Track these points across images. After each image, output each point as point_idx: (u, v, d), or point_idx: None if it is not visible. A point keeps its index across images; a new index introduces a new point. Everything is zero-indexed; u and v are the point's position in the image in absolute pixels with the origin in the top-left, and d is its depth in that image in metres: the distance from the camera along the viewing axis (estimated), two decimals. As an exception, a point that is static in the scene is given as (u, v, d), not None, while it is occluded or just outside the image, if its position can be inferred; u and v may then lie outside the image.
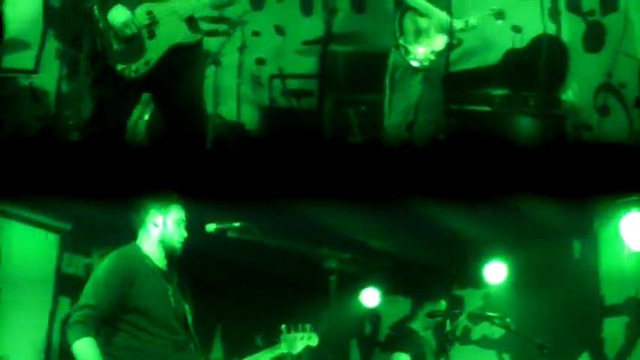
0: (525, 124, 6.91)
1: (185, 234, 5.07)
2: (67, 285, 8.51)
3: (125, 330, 4.79)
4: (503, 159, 6.71)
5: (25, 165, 6.44)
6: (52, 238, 8.43)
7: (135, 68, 6.00)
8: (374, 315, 10.39)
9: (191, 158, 6.67)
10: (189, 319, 5.10)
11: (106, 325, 4.75)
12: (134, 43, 6.00)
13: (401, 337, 7.53)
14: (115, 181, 6.49)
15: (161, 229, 5.01)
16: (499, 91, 7.50)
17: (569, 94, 7.31)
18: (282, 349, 5.21)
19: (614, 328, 8.58)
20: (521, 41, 7.96)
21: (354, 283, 9.54)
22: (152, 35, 6.01)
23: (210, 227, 4.96)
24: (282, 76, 8.65)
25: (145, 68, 6.03)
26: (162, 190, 5.19)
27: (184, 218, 5.08)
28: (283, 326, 5.24)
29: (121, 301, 4.77)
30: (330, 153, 6.91)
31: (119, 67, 5.99)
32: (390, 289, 9.88)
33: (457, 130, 6.93)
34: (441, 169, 6.71)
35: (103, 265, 4.92)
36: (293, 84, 8.75)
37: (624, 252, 8.13)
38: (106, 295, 4.74)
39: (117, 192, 6.40)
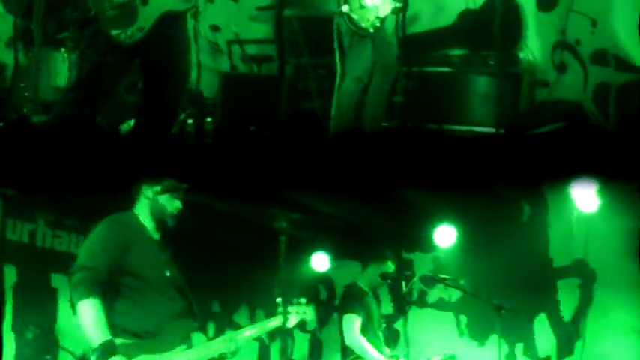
0: (482, 83, 6.88)
1: (179, 205, 5.09)
2: (12, 252, 8.34)
3: (124, 294, 4.80)
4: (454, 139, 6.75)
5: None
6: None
7: (130, 34, 5.92)
8: (328, 279, 10.36)
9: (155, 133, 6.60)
10: (186, 287, 5.13)
11: (109, 288, 4.76)
12: (127, 9, 5.91)
13: (349, 297, 7.48)
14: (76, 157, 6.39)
15: (151, 201, 5.04)
16: (458, 52, 7.48)
17: (527, 53, 7.30)
18: (277, 322, 5.12)
19: (567, 290, 8.63)
20: (474, 3, 7.89)
21: (304, 248, 9.51)
22: (145, 1, 5.92)
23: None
24: (240, 41, 8.51)
25: (139, 34, 5.95)
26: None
27: (178, 190, 5.09)
28: (279, 299, 5.07)
29: (118, 265, 4.78)
30: (285, 122, 6.85)
31: (113, 32, 5.89)
32: (339, 254, 9.86)
33: (414, 92, 6.84)
34: (393, 137, 6.68)
35: (100, 229, 4.95)
36: (252, 49, 8.63)
37: (573, 215, 8.20)
38: (103, 258, 4.77)
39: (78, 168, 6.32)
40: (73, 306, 4.76)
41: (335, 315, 10.04)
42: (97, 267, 4.71)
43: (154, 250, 5.02)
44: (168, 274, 5.00)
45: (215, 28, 8.66)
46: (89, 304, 4.60)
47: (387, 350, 7.41)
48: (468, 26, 7.74)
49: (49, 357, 7.99)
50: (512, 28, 7.33)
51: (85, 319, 4.60)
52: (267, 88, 7.40)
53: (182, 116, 7.04)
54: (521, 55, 7.29)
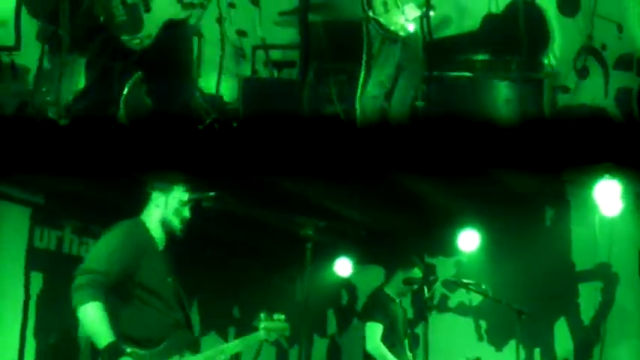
0: (503, 89, 6.86)
1: (187, 215, 5.02)
2: (39, 260, 8.38)
3: (132, 303, 4.79)
4: (477, 131, 6.70)
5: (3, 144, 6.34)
6: (23, 212, 8.27)
7: (139, 40, 5.99)
8: (349, 285, 10.36)
9: (172, 136, 6.60)
10: (184, 299, 5.12)
11: (114, 295, 4.72)
12: (134, 16, 5.97)
13: (376, 305, 7.49)
14: (96, 157, 6.41)
15: (162, 210, 4.98)
16: (480, 57, 7.46)
17: (551, 58, 7.28)
18: (261, 336, 5.11)
19: (588, 294, 8.64)
20: (496, 7, 7.87)
21: (328, 254, 9.51)
22: (148, 9, 5.98)
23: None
24: (266, 46, 8.49)
25: (148, 41, 6.02)
26: (167, 171, 5.29)
27: (188, 199, 5.01)
28: (262, 314, 5.10)
29: (131, 272, 4.76)
30: (307, 126, 6.85)
31: (124, 37, 5.96)
32: (363, 259, 9.88)
33: (436, 96, 6.83)
34: (417, 142, 6.66)
35: (114, 235, 4.90)
36: (276, 55, 8.62)
37: (595, 218, 8.18)
38: (118, 264, 4.73)
39: (98, 169, 6.38)
40: (75, 308, 4.64)
41: (355, 320, 10.11)
42: (108, 272, 4.68)
43: (160, 259, 4.99)
44: (171, 284, 4.99)
45: (242, 33, 8.64)
46: (93, 306, 4.56)
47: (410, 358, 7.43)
48: (491, 30, 7.72)
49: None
50: (537, 33, 7.31)
51: (90, 321, 4.57)
52: (288, 92, 7.39)
53: (207, 121, 7.04)
54: (545, 61, 7.25)
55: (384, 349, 7.22)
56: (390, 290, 7.60)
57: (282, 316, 5.14)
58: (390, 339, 7.29)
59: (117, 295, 4.73)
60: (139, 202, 5.05)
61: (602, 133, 6.28)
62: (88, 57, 6.51)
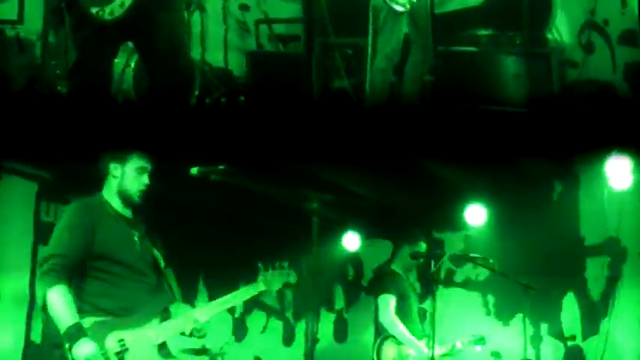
0: (511, 64, 6.86)
1: (146, 181, 5.06)
2: (46, 234, 8.41)
3: (96, 277, 4.81)
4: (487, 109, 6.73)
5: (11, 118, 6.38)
6: (30, 187, 8.41)
7: (109, 10, 5.93)
8: (356, 259, 10.40)
9: (176, 111, 6.63)
10: (161, 264, 5.14)
11: (76, 274, 4.77)
12: None
13: (383, 278, 7.53)
14: (97, 133, 6.44)
15: (119, 179, 5.02)
16: (485, 32, 7.44)
17: (555, 33, 7.25)
18: (260, 287, 5.20)
19: (596, 268, 8.62)
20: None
21: (335, 229, 9.55)
22: None
23: (194, 170, 4.89)
24: (268, 20, 8.49)
25: (121, 10, 5.95)
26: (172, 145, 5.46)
27: (145, 166, 5.05)
28: (260, 264, 5.24)
29: (87, 247, 4.80)
30: (316, 102, 6.87)
31: (93, 9, 5.84)
32: (370, 234, 9.91)
33: (444, 71, 6.84)
34: (426, 119, 6.68)
35: (65, 215, 5.00)
36: (280, 29, 8.62)
37: (604, 192, 8.18)
38: (72, 243, 4.79)
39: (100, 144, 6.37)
40: (40, 296, 4.70)
41: (362, 295, 10.16)
42: (66, 254, 4.75)
43: (122, 227, 5.00)
44: (138, 249, 5.01)
45: (244, 8, 8.64)
46: (56, 291, 4.61)
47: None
48: (496, 5, 7.68)
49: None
50: (540, 8, 7.28)
51: (53, 305, 4.61)
52: (296, 66, 7.39)
53: (216, 95, 7.06)
54: (549, 36, 7.23)
55: (397, 321, 7.27)
56: (396, 266, 7.63)
57: (285, 264, 5.26)
58: (401, 316, 7.32)
59: (82, 272, 4.78)
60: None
61: (610, 110, 6.30)
62: (70, 35, 6.50)
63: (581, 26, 7.37)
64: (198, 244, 9.72)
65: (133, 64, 7.00)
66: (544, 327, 8.86)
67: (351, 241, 9.80)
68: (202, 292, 10.51)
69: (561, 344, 8.73)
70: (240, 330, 10.66)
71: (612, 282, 8.47)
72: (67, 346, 4.53)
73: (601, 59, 6.93)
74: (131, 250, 4.96)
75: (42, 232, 8.45)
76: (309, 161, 7.03)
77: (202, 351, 8.84)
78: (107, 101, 6.66)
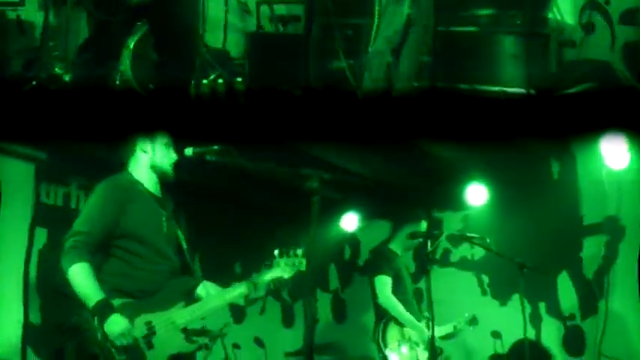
0: (510, 44, 6.89)
1: (175, 156, 5.15)
2: (45, 216, 8.54)
3: (117, 256, 4.91)
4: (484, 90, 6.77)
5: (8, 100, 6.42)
6: (28, 168, 8.41)
7: None
8: (353, 240, 10.46)
9: (177, 92, 6.67)
10: (184, 245, 5.20)
11: (99, 251, 4.86)
12: None
13: (379, 259, 7.58)
14: (96, 114, 6.48)
15: (150, 154, 5.10)
16: (486, 11, 7.45)
17: (556, 12, 7.27)
18: (275, 272, 5.22)
19: (593, 248, 8.70)
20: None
21: (332, 209, 9.60)
22: None
23: (188, 151, 4.96)
24: (270, 1, 8.51)
25: None
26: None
27: (170, 141, 5.16)
28: (277, 250, 5.25)
29: (114, 227, 4.88)
30: (313, 84, 6.91)
31: None
32: (369, 214, 9.99)
33: (442, 52, 6.87)
34: (424, 100, 6.71)
35: (96, 193, 5.04)
36: (281, 10, 8.64)
37: (602, 172, 8.28)
38: (99, 222, 4.87)
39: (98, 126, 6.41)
40: (64, 272, 4.80)
41: (357, 275, 10.22)
42: (91, 232, 4.84)
43: (152, 207, 5.08)
44: (165, 231, 5.07)
45: (245, -12, 8.67)
46: (80, 267, 4.70)
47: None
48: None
49: (75, 318, 8.06)
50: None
51: (78, 282, 4.71)
52: (294, 47, 7.42)
53: (212, 76, 7.10)
54: (550, 15, 7.25)
55: (395, 300, 7.34)
56: (394, 246, 7.67)
57: (300, 251, 5.28)
58: (397, 296, 7.36)
59: (105, 251, 4.87)
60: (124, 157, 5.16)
61: (608, 89, 6.33)
62: (86, 12, 6.54)
63: (583, 6, 7.44)
64: (197, 224, 9.79)
65: (131, 45, 7.06)
66: (542, 306, 8.93)
67: (350, 221, 9.88)
68: (196, 273, 10.60)
69: (560, 324, 8.80)
70: (239, 311, 10.74)
71: (611, 261, 8.54)
72: (96, 320, 4.62)
73: (600, 39, 6.95)
74: (158, 231, 5.02)
75: (40, 214, 8.49)
76: (306, 142, 7.08)
77: (202, 332, 8.89)
78: (107, 83, 6.71)
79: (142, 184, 5.08)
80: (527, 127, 6.62)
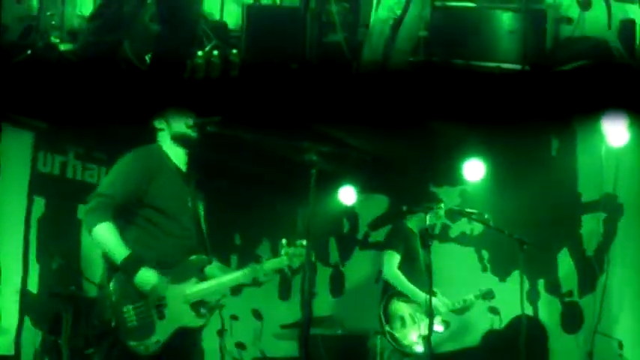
0: (507, 20, 6.91)
1: (190, 120, 5.15)
2: (42, 184, 8.68)
3: (140, 225, 4.96)
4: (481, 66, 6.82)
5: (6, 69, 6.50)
6: (26, 136, 8.55)
7: None
8: (352, 213, 10.57)
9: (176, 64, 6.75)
10: (203, 223, 5.27)
11: (121, 217, 4.90)
12: None
13: (394, 234, 7.63)
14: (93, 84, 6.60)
15: (168, 128, 5.17)
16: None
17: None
18: (284, 262, 5.21)
19: (591, 225, 8.75)
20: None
21: (331, 182, 9.71)
22: None
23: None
24: (267, -26, 8.55)
25: None
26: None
27: (209, 123, 5.16)
28: (284, 240, 5.20)
29: (138, 196, 4.94)
30: (309, 56, 6.97)
31: None
32: (366, 187, 10.11)
33: (438, 27, 6.94)
34: (420, 74, 6.79)
35: (126, 159, 5.08)
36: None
37: (602, 149, 8.36)
38: (123, 188, 4.92)
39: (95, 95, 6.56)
40: (87, 232, 4.86)
41: (357, 250, 10.32)
42: (113, 195, 4.87)
43: (178, 181, 5.12)
44: (189, 205, 5.12)
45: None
46: (104, 226, 4.76)
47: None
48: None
49: (73, 287, 8.13)
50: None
51: (104, 240, 4.77)
52: (291, 19, 7.46)
53: (207, 47, 7.18)
54: (548, -9, 7.28)
55: (401, 275, 7.40)
56: (412, 224, 7.70)
57: (304, 242, 5.17)
58: (409, 273, 7.48)
59: (126, 217, 4.93)
60: (146, 129, 5.22)
61: (604, 66, 6.37)
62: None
63: (580, -18, 7.42)
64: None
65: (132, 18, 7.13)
66: (540, 282, 9.02)
67: (347, 194, 10.01)
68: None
69: (558, 300, 8.88)
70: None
71: (608, 238, 8.59)
72: (111, 284, 4.68)
73: (597, 16, 6.93)
74: (182, 205, 5.09)
75: (38, 183, 8.62)
76: (303, 116, 7.15)
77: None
78: (107, 54, 6.79)
79: (171, 159, 5.15)
80: (524, 102, 6.68)
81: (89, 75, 6.69)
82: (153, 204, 4.96)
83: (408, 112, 7.20)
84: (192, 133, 5.14)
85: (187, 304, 4.92)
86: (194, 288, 4.97)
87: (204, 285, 5.02)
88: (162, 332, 4.81)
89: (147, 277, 4.74)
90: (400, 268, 7.50)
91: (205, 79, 7.01)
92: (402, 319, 7.23)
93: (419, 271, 7.64)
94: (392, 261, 7.47)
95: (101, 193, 4.91)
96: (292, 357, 9.99)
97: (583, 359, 8.44)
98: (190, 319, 4.95)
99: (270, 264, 5.19)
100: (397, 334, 7.10)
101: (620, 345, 8.23)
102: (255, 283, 5.20)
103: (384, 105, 6.88)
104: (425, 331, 7.22)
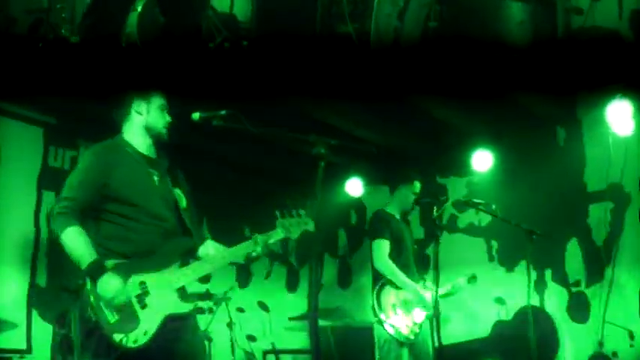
0: (516, 10, 6.88)
1: (169, 119, 5.15)
2: (52, 179, 8.66)
3: (109, 220, 4.90)
4: (490, 53, 6.79)
5: (15, 62, 6.48)
6: (37, 132, 8.56)
7: None
8: (359, 205, 10.58)
9: (184, 54, 6.73)
10: (182, 204, 5.21)
11: (89, 216, 4.87)
12: None
13: (378, 223, 7.56)
14: (106, 77, 6.56)
15: (145, 116, 5.11)
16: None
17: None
18: (279, 234, 5.21)
19: (599, 214, 8.75)
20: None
21: (339, 174, 9.72)
22: None
23: (195, 115, 4.99)
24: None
25: None
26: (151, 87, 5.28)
27: (165, 104, 5.16)
28: (277, 211, 5.24)
29: (100, 191, 4.89)
30: (319, 46, 6.95)
31: None
32: (374, 179, 10.11)
33: (448, 18, 6.92)
34: (430, 63, 6.76)
35: (82, 159, 5.08)
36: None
37: (609, 139, 8.32)
38: (83, 187, 4.87)
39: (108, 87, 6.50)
40: (55, 238, 4.77)
41: (366, 240, 10.32)
42: (77, 197, 4.82)
43: (142, 168, 5.06)
44: (158, 191, 5.06)
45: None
46: (71, 231, 4.70)
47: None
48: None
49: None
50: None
51: (70, 245, 4.70)
52: (301, 12, 7.46)
53: (218, 40, 7.17)
54: (555, -19, 7.25)
55: (392, 265, 7.29)
56: (391, 209, 7.63)
57: (302, 212, 5.27)
58: (397, 259, 7.41)
59: (96, 215, 4.89)
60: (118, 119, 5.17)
61: (615, 55, 6.34)
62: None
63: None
64: (202, 187, 9.87)
65: (139, 8, 7.13)
66: (548, 273, 9.03)
67: (354, 186, 10.02)
68: (203, 234, 10.71)
69: (565, 290, 8.89)
70: (243, 275, 10.86)
71: (616, 228, 8.59)
72: (88, 283, 4.62)
73: (608, 5, 6.89)
74: (149, 192, 5.02)
75: (48, 177, 8.65)
76: (312, 105, 7.12)
77: (206, 296, 8.99)
78: (114, 44, 6.78)
79: (133, 146, 5.08)
80: (532, 90, 6.64)
81: (95, 64, 6.68)
82: (117, 196, 4.90)
83: (415, 100, 7.20)
84: (165, 134, 5.13)
85: (172, 289, 4.87)
86: (177, 273, 4.92)
87: (187, 268, 4.98)
88: (148, 322, 4.75)
89: (107, 283, 4.64)
90: (390, 255, 7.44)
91: (215, 69, 7.00)
92: (394, 307, 7.18)
93: (406, 253, 7.56)
94: (381, 249, 7.36)
95: (64, 197, 4.86)
96: (302, 349, 10.03)
97: (594, 349, 8.43)
98: (176, 305, 4.88)
99: (263, 238, 5.14)
100: (392, 323, 7.07)
101: (631, 335, 8.21)
102: (249, 260, 5.14)
103: (391, 92, 6.86)
104: (418, 320, 7.19)
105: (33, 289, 8.37)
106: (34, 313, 8.34)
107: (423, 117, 8.27)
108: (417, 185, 7.59)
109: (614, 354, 8.33)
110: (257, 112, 6.51)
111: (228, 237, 5.40)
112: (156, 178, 5.10)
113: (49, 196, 8.61)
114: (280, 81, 6.88)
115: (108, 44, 6.95)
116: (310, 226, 5.28)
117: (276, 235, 5.20)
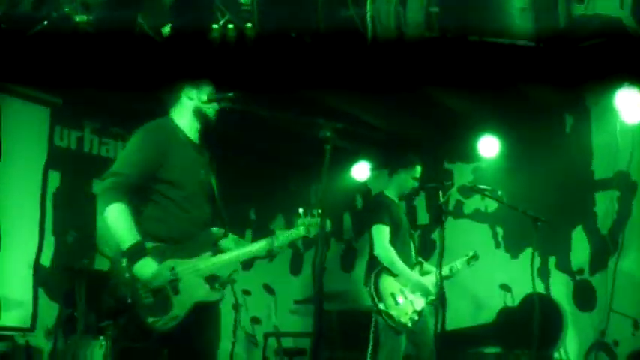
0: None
1: (217, 105, 5.17)
2: (58, 159, 8.74)
3: (155, 200, 4.93)
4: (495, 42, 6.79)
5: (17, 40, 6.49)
6: (43, 111, 8.59)
7: None
8: (365, 189, 10.60)
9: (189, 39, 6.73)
10: (217, 196, 5.23)
11: (137, 194, 4.88)
12: None
13: (377, 208, 7.53)
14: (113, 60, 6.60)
15: (195, 101, 5.14)
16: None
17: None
18: (300, 232, 5.23)
19: (606, 203, 8.75)
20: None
21: (345, 159, 9.73)
22: None
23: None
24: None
25: None
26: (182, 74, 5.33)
27: (214, 92, 5.17)
28: (301, 210, 5.24)
29: (153, 171, 4.92)
30: (322, 31, 6.95)
31: None
32: (379, 164, 10.12)
33: (449, 3, 6.91)
34: (434, 51, 6.76)
35: (138, 136, 5.04)
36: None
37: (616, 127, 8.34)
38: (138, 164, 4.89)
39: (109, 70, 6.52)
40: (100, 211, 4.78)
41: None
42: (129, 174, 4.82)
43: (192, 154, 5.09)
44: (202, 178, 5.09)
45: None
46: (117, 208, 4.71)
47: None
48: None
49: (86, 261, 8.17)
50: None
51: (114, 222, 4.71)
52: None
53: (221, 22, 7.16)
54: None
55: (393, 253, 7.21)
56: (390, 193, 7.59)
57: (320, 211, 5.18)
58: (395, 243, 7.32)
59: (144, 194, 4.90)
60: (165, 104, 5.20)
61: (618, 44, 6.33)
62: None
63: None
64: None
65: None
66: (552, 260, 9.04)
67: (360, 170, 10.04)
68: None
69: (570, 278, 8.90)
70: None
71: (622, 216, 8.58)
72: (124, 262, 4.65)
73: None
74: (196, 179, 5.06)
75: (54, 157, 8.69)
76: (315, 89, 7.11)
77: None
78: (123, 27, 6.79)
79: (183, 131, 5.11)
80: (538, 78, 6.63)
81: (106, 47, 6.68)
82: (167, 178, 4.93)
83: (422, 87, 7.18)
84: (213, 119, 5.16)
85: (201, 277, 4.91)
86: (207, 262, 4.95)
87: (218, 258, 5.01)
88: (180, 307, 4.80)
89: (146, 266, 4.68)
90: (390, 240, 7.41)
91: (220, 53, 7.00)
92: (393, 295, 7.16)
93: (405, 238, 7.49)
94: (382, 235, 7.27)
95: (115, 172, 4.86)
96: (306, 332, 10.06)
97: (595, 337, 8.46)
98: (207, 294, 4.94)
99: (285, 235, 5.19)
100: (390, 312, 7.05)
101: (636, 324, 8.23)
102: (270, 255, 5.19)
103: (398, 78, 6.85)
104: (418, 307, 7.17)
105: (38, 268, 8.41)
106: (41, 291, 8.38)
107: (429, 102, 8.26)
108: (418, 170, 7.56)
109: (615, 342, 8.34)
110: (264, 94, 6.57)
111: (233, 220, 5.41)
112: (202, 166, 5.14)
113: (55, 176, 8.68)
114: (284, 70, 6.87)
115: (117, 28, 6.94)
116: (327, 227, 5.11)
117: (297, 234, 5.22)
